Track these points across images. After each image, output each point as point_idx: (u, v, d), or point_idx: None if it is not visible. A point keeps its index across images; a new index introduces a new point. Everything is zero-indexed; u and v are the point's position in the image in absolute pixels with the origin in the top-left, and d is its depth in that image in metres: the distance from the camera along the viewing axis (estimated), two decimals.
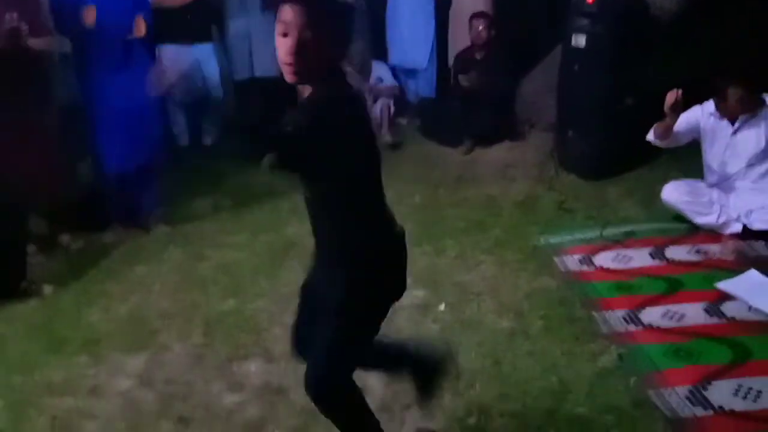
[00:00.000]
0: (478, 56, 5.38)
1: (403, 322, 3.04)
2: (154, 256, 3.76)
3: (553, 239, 3.72)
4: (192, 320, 3.14)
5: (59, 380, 2.74)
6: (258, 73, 5.61)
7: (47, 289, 3.38)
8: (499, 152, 5.18)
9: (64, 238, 3.85)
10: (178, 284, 3.46)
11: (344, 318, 1.94)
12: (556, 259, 3.52)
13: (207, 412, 2.54)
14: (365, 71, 5.75)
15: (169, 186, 4.28)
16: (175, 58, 4.88)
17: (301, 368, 2.71)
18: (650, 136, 3.84)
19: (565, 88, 4.77)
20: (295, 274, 3.48)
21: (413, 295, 3.24)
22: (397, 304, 3.12)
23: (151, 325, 3.11)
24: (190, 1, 4.79)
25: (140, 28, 3.75)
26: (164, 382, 2.72)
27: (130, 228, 4.05)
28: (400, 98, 5.96)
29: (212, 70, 5.17)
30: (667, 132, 3.71)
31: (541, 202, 4.27)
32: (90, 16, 3.59)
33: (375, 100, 5.77)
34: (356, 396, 2.08)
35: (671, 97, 3.54)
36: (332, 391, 1.99)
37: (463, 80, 5.31)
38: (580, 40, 4.53)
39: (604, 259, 3.49)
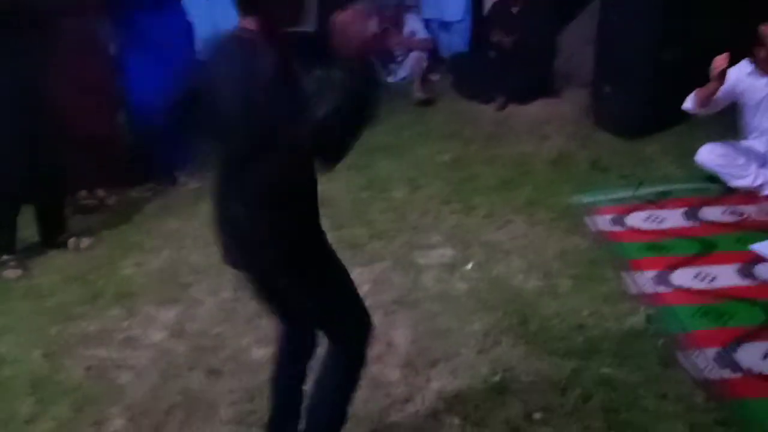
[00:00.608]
0: (513, 9, 5.24)
1: (431, 280, 3.04)
2: (185, 211, 3.81)
3: (586, 198, 3.66)
4: (222, 275, 3.16)
5: (94, 331, 2.82)
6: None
7: (85, 242, 3.47)
8: (533, 109, 5.08)
9: (100, 193, 3.92)
10: (209, 239, 3.46)
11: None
12: (587, 218, 3.47)
13: (236, 365, 2.60)
14: (398, 24, 5.66)
15: (201, 142, 4.30)
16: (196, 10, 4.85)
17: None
18: (688, 105, 3.63)
19: (603, 41, 4.62)
20: (324, 230, 3.51)
21: (441, 253, 3.25)
22: (425, 262, 3.18)
23: (183, 279, 3.17)
24: None
25: None
26: (195, 334, 2.78)
27: (162, 183, 4.10)
28: (433, 53, 5.85)
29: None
30: (709, 99, 3.54)
31: (575, 161, 4.19)
32: None
33: (408, 54, 5.69)
34: None
35: (720, 62, 3.35)
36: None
37: (498, 34, 5.18)
38: None
39: (637, 220, 3.42)
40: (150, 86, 3.80)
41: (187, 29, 4.05)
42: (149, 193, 4.03)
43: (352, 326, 1.95)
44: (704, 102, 3.55)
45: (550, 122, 4.81)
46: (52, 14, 3.25)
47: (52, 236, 3.46)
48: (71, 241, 3.44)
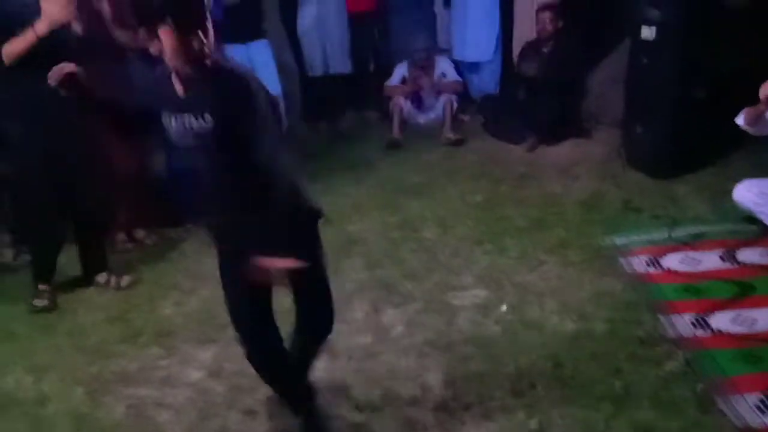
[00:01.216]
0: (544, 49, 5.31)
1: (464, 322, 3.05)
2: None
3: (619, 239, 3.65)
4: None
5: (134, 369, 2.87)
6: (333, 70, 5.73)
7: (125, 280, 3.55)
8: (563, 149, 5.11)
9: (140, 233, 4.01)
10: None
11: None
12: (621, 260, 3.46)
13: (272, 405, 2.62)
14: (429, 67, 5.76)
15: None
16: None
17: (365, 365, 2.79)
18: (739, 120, 3.61)
19: (634, 82, 4.65)
20: (356, 270, 3.56)
21: (474, 294, 3.26)
22: (458, 303, 3.19)
23: (220, 319, 3.19)
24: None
25: None
26: (232, 374, 2.81)
27: (199, 223, 4.19)
28: (463, 94, 5.94)
29: (266, 67, 5.25)
30: (758, 119, 3.51)
31: (607, 201, 4.19)
32: None
33: (438, 96, 5.78)
34: None
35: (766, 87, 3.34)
36: None
37: (528, 70, 5.23)
38: (649, 32, 4.41)
39: (672, 261, 3.41)
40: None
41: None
42: (187, 233, 4.12)
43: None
44: (752, 121, 3.50)
45: (580, 162, 4.83)
46: (89, 56, 3.39)
47: (93, 273, 3.55)
48: (112, 279, 3.53)
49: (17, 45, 2.99)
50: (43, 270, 3.41)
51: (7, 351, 3.05)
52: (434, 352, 2.87)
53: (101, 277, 3.54)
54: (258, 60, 5.16)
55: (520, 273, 3.43)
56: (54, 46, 2.96)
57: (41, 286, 3.38)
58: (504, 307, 3.14)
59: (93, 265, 3.57)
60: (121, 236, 3.96)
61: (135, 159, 3.85)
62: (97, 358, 2.96)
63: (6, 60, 3.02)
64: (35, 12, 3.01)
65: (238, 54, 4.96)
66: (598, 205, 4.15)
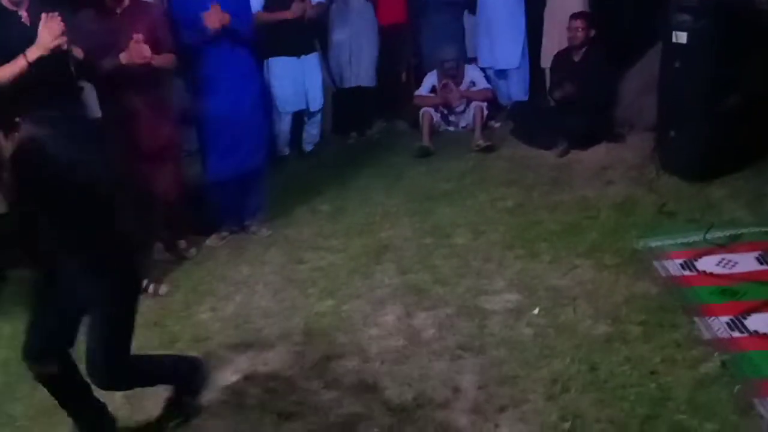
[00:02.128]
0: (575, 57, 5.31)
1: (497, 326, 3.05)
2: (257, 258, 3.95)
3: (653, 243, 3.62)
4: (292, 319, 3.28)
5: None
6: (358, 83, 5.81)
7: (163, 288, 3.63)
8: (595, 154, 5.08)
9: (182, 244, 4.09)
10: (279, 285, 3.63)
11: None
12: (656, 263, 3.43)
13: (306, 408, 2.66)
14: (458, 75, 5.79)
15: (271, 191, 4.48)
16: (284, 70, 5.14)
17: (397, 367, 2.82)
18: None
19: (667, 86, 4.62)
20: (388, 276, 3.59)
21: (506, 299, 3.26)
22: (490, 307, 3.19)
23: (255, 324, 3.27)
24: (302, 15, 4.98)
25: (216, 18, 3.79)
26: (267, 377, 2.86)
27: (235, 231, 4.27)
28: (492, 101, 5.95)
29: (315, 79, 5.36)
30: None
31: (641, 205, 4.15)
32: (214, 18, 3.75)
33: (468, 104, 5.80)
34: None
35: None
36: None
37: (561, 83, 5.22)
38: (681, 37, 4.38)
39: (708, 264, 3.36)
40: (223, 142, 4.04)
41: (262, 89, 4.27)
42: (222, 241, 4.20)
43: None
44: None
45: (613, 167, 4.80)
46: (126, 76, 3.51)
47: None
48: (151, 286, 3.61)
49: (6, 71, 2.97)
50: None
51: None
52: (467, 355, 2.87)
53: (142, 285, 3.62)
54: (309, 73, 5.28)
55: (553, 277, 3.41)
56: (47, 72, 2.97)
57: None
58: (536, 311, 3.13)
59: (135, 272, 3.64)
60: (160, 246, 4.03)
61: (176, 166, 3.95)
62: None
63: None
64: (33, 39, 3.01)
65: (289, 67, 5.10)
66: (632, 209, 4.12)
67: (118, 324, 2.32)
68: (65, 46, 3.08)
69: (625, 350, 2.80)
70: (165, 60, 3.65)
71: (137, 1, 3.68)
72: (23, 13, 3.16)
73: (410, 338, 3.03)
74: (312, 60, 5.33)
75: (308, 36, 5.31)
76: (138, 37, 3.44)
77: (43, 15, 3.03)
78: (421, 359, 2.87)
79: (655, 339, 2.85)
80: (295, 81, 5.24)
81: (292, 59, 5.16)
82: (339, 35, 5.80)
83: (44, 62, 3.01)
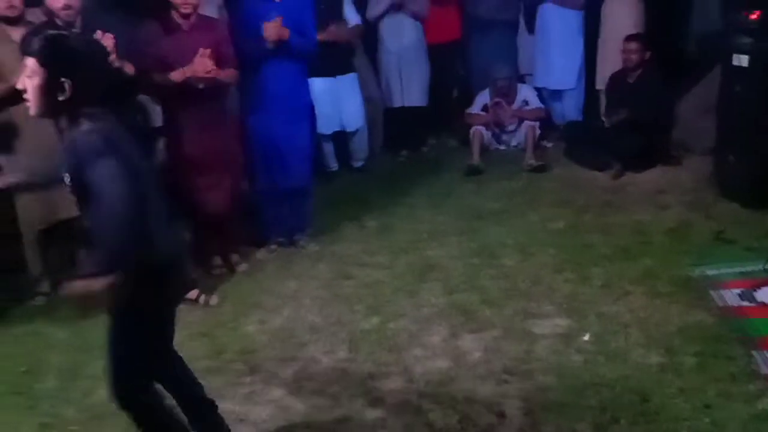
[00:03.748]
0: (630, 79, 5.22)
1: (545, 351, 3.00)
2: (305, 273, 3.98)
3: (710, 271, 3.51)
4: (337, 335, 3.29)
5: (219, 385, 2.95)
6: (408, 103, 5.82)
7: (214, 299, 3.69)
8: (650, 177, 4.98)
9: (234, 258, 4.14)
10: (326, 300, 3.65)
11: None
12: (712, 292, 3.32)
13: (350, 426, 2.65)
14: (511, 94, 5.76)
15: (319, 206, 4.52)
16: (319, 91, 5.19)
17: (441, 389, 2.79)
18: None
19: (726, 109, 4.50)
20: (434, 295, 3.57)
21: (555, 323, 3.21)
22: (538, 331, 3.14)
23: (301, 338, 3.29)
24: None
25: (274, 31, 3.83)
26: (311, 392, 2.87)
27: (283, 245, 4.31)
28: (545, 121, 5.89)
29: (352, 100, 5.38)
30: None
31: (697, 231, 4.04)
32: (273, 30, 3.81)
33: (520, 123, 5.76)
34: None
35: None
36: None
37: (616, 108, 5.13)
38: (742, 60, 4.27)
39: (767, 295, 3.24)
40: (273, 157, 4.10)
41: (310, 106, 4.32)
42: (272, 255, 4.25)
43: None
44: None
45: (669, 191, 4.69)
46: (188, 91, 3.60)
47: (186, 292, 3.69)
48: (202, 297, 3.67)
49: None
50: None
51: (104, 366, 3.19)
52: (513, 380, 2.83)
53: (192, 294, 3.68)
54: (345, 93, 5.31)
55: (604, 303, 3.34)
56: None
57: None
58: (586, 337, 3.06)
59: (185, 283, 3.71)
60: (217, 260, 4.10)
61: (234, 180, 4.02)
62: None
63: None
64: None
65: (326, 87, 5.15)
66: (688, 234, 4.01)
67: (117, 344, 2.16)
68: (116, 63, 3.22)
69: (678, 381, 2.72)
70: (228, 75, 3.75)
71: (204, 18, 3.79)
72: (99, 34, 3.27)
73: (456, 360, 3.00)
74: (348, 80, 5.33)
75: (344, 56, 5.31)
76: (203, 51, 3.53)
77: (99, 33, 3.17)
78: (467, 382, 2.84)
79: (710, 371, 2.76)
80: (331, 102, 5.24)
81: (328, 80, 5.19)
82: (388, 54, 5.82)
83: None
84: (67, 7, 3.29)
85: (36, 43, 2.06)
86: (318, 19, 4.80)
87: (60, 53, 2.04)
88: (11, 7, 3.52)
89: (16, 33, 3.53)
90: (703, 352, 2.87)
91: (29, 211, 3.74)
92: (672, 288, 3.41)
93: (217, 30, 3.79)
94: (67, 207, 3.73)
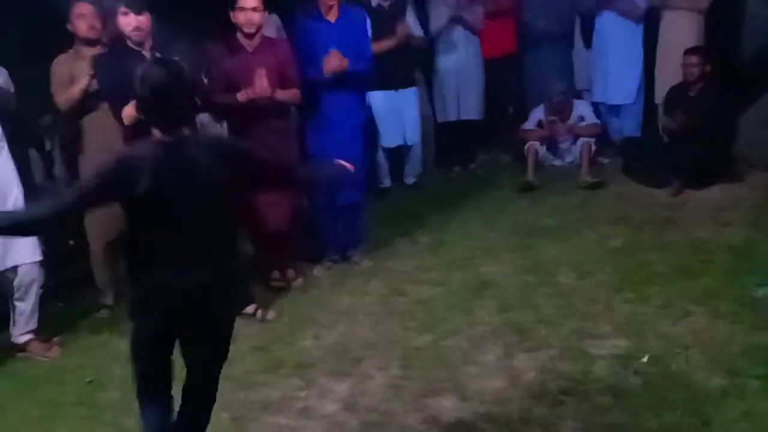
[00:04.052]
0: (691, 93, 5.12)
1: (603, 371, 2.95)
2: (359, 289, 4.01)
3: None
4: (391, 352, 3.30)
5: (275, 399, 3.02)
6: (464, 116, 5.84)
7: (270, 314, 3.76)
8: (711, 194, 4.85)
9: (291, 273, 4.21)
10: (380, 316, 3.67)
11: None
12: None
13: None
14: (566, 110, 5.70)
15: (372, 222, 4.56)
16: (382, 104, 5.25)
17: (496, 409, 2.78)
18: None
19: None
20: (489, 313, 3.56)
21: (613, 343, 3.15)
22: (595, 352, 3.09)
23: (355, 354, 3.32)
24: (393, 47, 5.07)
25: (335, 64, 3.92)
26: (365, 409, 2.89)
27: (338, 261, 4.36)
28: (602, 137, 5.80)
29: (413, 114, 5.43)
30: None
31: (760, 250, 3.92)
32: (334, 63, 3.91)
33: (575, 139, 5.69)
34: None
35: None
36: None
37: (675, 120, 5.03)
38: None
39: None
40: (329, 171, 4.16)
41: (365, 123, 4.39)
42: (327, 270, 4.30)
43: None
44: None
45: (730, 208, 4.56)
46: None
47: (242, 306, 3.77)
48: (258, 312, 3.74)
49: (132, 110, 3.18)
50: None
51: None
52: (569, 401, 2.79)
53: (249, 308, 3.76)
54: (407, 107, 5.37)
55: (664, 323, 3.27)
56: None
57: None
58: (645, 358, 3.00)
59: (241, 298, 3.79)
60: (275, 274, 4.18)
61: (293, 197, 4.10)
62: (242, 386, 3.12)
63: (126, 121, 3.25)
64: None
65: (387, 100, 5.22)
66: (751, 253, 3.90)
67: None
68: None
69: (741, 405, 2.64)
70: (289, 95, 3.84)
71: (267, 39, 3.91)
72: (146, 53, 3.42)
73: (510, 379, 2.98)
74: (410, 94, 5.40)
75: (407, 70, 5.38)
76: (261, 72, 3.63)
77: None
78: (522, 402, 2.81)
79: None
80: (394, 115, 5.31)
81: (390, 93, 5.25)
82: (445, 68, 5.85)
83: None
84: (137, 29, 3.41)
85: None
86: (383, 32, 4.90)
87: None
88: (92, 28, 3.71)
89: (92, 53, 3.71)
90: None
91: (97, 223, 3.88)
92: (734, 308, 3.31)
93: (280, 50, 3.88)
94: None
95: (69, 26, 3.77)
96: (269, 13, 5.01)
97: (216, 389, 2.37)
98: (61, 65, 3.74)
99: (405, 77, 5.37)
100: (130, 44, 3.46)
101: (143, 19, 3.41)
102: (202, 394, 2.36)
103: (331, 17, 4.10)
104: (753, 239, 4.06)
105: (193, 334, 2.27)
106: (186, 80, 2.15)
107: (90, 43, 3.75)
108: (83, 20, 3.71)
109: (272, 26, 5.01)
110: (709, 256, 3.92)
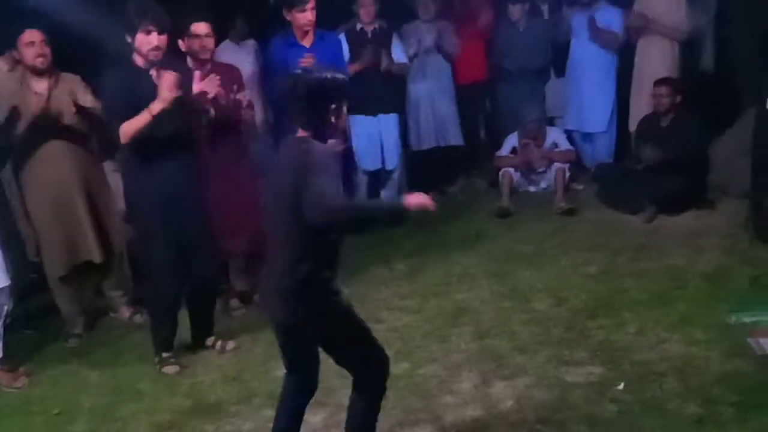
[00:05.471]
0: (663, 123, 5.19)
1: (579, 399, 2.94)
2: None
3: (748, 318, 3.42)
4: None
5: (247, 430, 2.96)
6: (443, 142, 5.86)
7: (230, 344, 3.69)
8: (685, 221, 4.91)
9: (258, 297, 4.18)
10: None
11: None
12: (750, 340, 3.24)
13: None
14: (540, 136, 5.76)
15: (348, 248, 4.51)
16: (361, 128, 5.26)
17: None
18: None
19: (761, 152, 4.44)
20: (465, 340, 3.54)
21: (588, 371, 3.15)
22: (571, 379, 3.08)
23: (330, 383, 3.24)
24: (366, 67, 5.09)
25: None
26: None
27: None
28: (576, 163, 5.86)
29: (392, 139, 5.45)
30: None
31: (733, 276, 3.96)
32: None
33: (550, 165, 5.74)
34: None
35: None
36: None
37: (647, 149, 5.10)
38: None
39: None
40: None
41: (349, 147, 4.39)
42: None
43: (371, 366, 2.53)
44: None
45: (704, 235, 4.61)
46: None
47: (202, 338, 3.73)
48: (218, 344, 3.69)
49: (133, 123, 3.22)
50: (165, 342, 3.58)
51: (134, 409, 3.22)
52: (546, 430, 2.77)
53: (209, 341, 3.71)
54: (386, 132, 5.38)
55: (639, 350, 3.28)
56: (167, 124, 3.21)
57: (165, 354, 3.55)
58: (621, 386, 2.99)
59: (201, 331, 3.74)
60: (235, 302, 4.13)
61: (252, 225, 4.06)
62: (215, 417, 3.07)
63: (123, 139, 3.25)
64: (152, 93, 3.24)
65: (367, 126, 5.23)
66: (724, 280, 3.93)
67: None
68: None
69: None
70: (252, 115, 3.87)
71: (218, 65, 3.93)
72: (153, 73, 3.38)
73: (487, 408, 2.95)
74: (390, 120, 5.42)
75: (387, 95, 5.40)
76: (213, 77, 3.55)
77: (160, 71, 3.26)
78: (499, 431, 2.78)
79: (751, 422, 2.68)
80: (372, 139, 5.33)
81: (369, 118, 5.26)
82: (417, 94, 5.88)
83: (165, 117, 3.24)
84: (157, 48, 3.31)
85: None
86: (368, 57, 4.91)
87: None
88: (40, 57, 3.63)
89: (41, 85, 3.65)
90: (743, 403, 2.78)
91: (51, 254, 3.82)
92: (709, 335, 3.33)
93: (231, 76, 3.86)
94: (88, 250, 3.84)
95: (15, 53, 3.70)
96: (247, 38, 5.06)
97: (362, 368, 2.59)
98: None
99: (385, 102, 5.38)
100: (139, 64, 3.36)
101: (164, 39, 3.33)
102: (354, 377, 2.61)
103: (306, 42, 4.12)
104: (726, 266, 4.10)
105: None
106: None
107: (37, 72, 3.67)
108: (31, 48, 3.62)
109: (250, 51, 5.02)
110: (683, 282, 3.95)
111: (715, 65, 5.81)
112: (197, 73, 3.50)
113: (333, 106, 2.33)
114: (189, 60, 3.79)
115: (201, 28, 3.75)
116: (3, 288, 3.46)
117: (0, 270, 3.44)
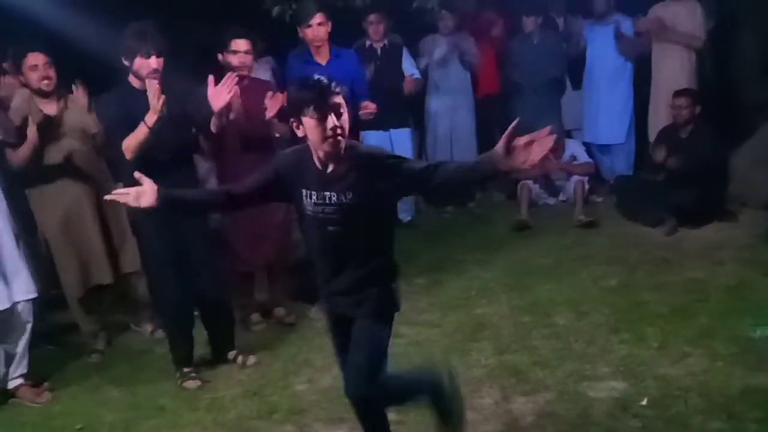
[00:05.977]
0: (682, 134, 5.16)
1: (601, 415, 2.91)
2: None
3: None
4: None
5: None
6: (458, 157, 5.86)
7: (251, 359, 3.69)
8: (706, 233, 4.86)
9: (281, 311, 4.19)
10: None
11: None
12: None
13: None
14: (558, 150, 5.74)
15: None
16: (373, 143, 5.27)
17: None
18: None
19: None
20: (485, 355, 3.52)
21: (611, 386, 3.12)
22: (593, 394, 3.05)
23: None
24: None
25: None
26: None
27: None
28: (595, 176, 5.84)
29: (407, 153, 5.46)
30: None
31: (755, 289, 3.91)
32: None
33: (568, 178, 5.72)
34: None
35: None
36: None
37: (668, 161, 5.06)
38: None
39: None
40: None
41: None
42: (322, 312, 4.24)
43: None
44: None
45: (725, 247, 4.57)
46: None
47: (222, 352, 3.73)
48: (239, 357, 3.69)
49: (132, 139, 3.24)
50: (184, 357, 3.59)
51: (155, 425, 3.23)
52: None
53: (230, 355, 3.72)
54: (398, 147, 5.38)
55: (662, 365, 3.24)
56: (166, 137, 3.24)
57: (185, 369, 3.56)
58: (644, 401, 2.96)
59: (220, 345, 3.75)
60: (256, 316, 4.15)
61: (283, 235, 4.08)
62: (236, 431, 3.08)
63: (127, 155, 3.26)
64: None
65: (379, 141, 5.24)
66: (746, 293, 3.89)
67: None
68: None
69: None
70: (283, 128, 3.80)
71: (255, 80, 4.00)
72: (152, 96, 3.40)
73: (508, 424, 2.93)
74: (401, 135, 5.43)
75: (399, 110, 5.40)
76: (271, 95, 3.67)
77: (149, 81, 3.27)
78: None
79: None
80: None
81: (380, 133, 5.28)
82: (436, 108, 5.89)
83: (164, 128, 3.26)
84: (155, 71, 3.33)
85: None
86: (379, 73, 4.92)
87: None
88: (45, 80, 3.67)
89: (49, 106, 3.72)
90: (767, 418, 2.75)
91: (66, 276, 3.86)
92: (732, 349, 3.29)
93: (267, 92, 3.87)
94: (100, 273, 3.87)
95: (21, 78, 3.76)
96: (264, 55, 5.10)
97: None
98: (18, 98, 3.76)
99: (397, 118, 5.40)
100: (136, 85, 3.39)
101: (161, 62, 3.36)
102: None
103: (322, 60, 4.14)
104: (747, 278, 4.06)
105: None
106: None
107: (43, 95, 3.72)
108: (35, 72, 3.66)
109: (266, 67, 5.07)
110: (704, 295, 3.91)
111: (717, 73, 5.77)
112: (210, 78, 3.51)
113: (292, 120, 2.33)
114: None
115: (241, 45, 3.79)
116: (30, 301, 3.49)
117: (29, 281, 3.48)
